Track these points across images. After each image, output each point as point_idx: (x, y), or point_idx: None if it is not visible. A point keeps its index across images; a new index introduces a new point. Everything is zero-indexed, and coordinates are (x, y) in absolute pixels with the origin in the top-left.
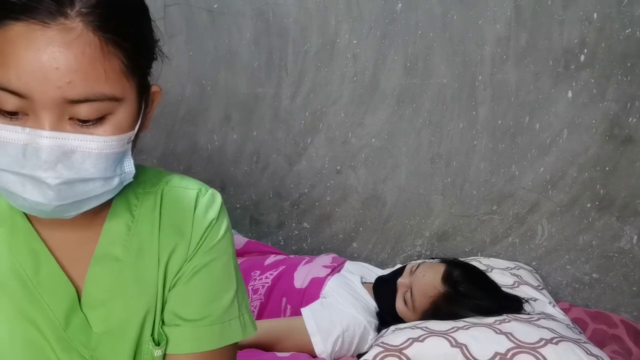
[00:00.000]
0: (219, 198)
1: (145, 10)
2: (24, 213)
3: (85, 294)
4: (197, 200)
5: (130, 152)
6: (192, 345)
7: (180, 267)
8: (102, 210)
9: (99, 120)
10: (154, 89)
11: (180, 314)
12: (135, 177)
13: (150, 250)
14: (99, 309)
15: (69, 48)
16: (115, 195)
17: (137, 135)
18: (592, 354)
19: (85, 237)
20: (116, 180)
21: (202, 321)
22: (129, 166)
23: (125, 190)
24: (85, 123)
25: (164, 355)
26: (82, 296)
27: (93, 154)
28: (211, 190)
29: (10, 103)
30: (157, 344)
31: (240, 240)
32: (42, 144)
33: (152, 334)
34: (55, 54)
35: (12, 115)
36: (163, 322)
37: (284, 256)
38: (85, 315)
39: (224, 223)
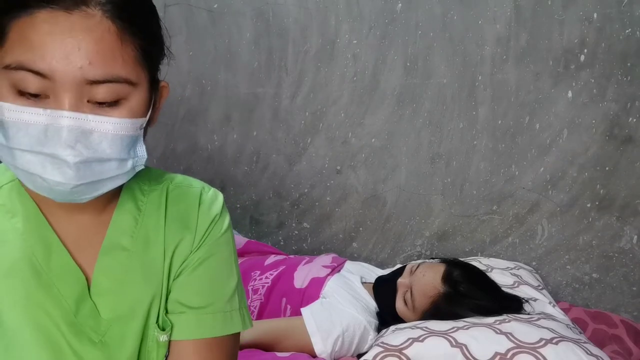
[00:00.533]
0: (221, 196)
1: (154, 9)
2: (37, 205)
3: (94, 282)
4: (201, 196)
5: (142, 138)
6: (196, 331)
7: (186, 258)
8: (110, 203)
9: (115, 103)
10: (162, 84)
11: (185, 302)
12: (141, 175)
13: (157, 242)
14: (107, 296)
15: (90, 32)
16: (123, 191)
17: (146, 129)
18: (592, 354)
19: (94, 229)
20: (130, 163)
21: (205, 309)
22: (142, 151)
23: (131, 186)
24: (102, 105)
25: (169, 341)
26: (91, 284)
27: (109, 135)
28: (213, 189)
29: (33, 83)
30: (162, 330)
31: (240, 240)
32: (63, 124)
33: (157, 321)
34: (78, 37)
35: (34, 96)
36: (167, 311)
37: (284, 256)
38: (94, 302)
39: (227, 219)
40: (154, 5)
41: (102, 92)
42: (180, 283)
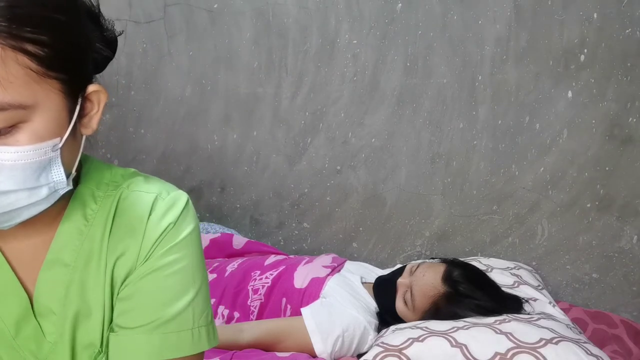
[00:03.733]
0: (181, 202)
1: (67, 5)
2: None
3: (35, 302)
4: (154, 204)
5: (59, 160)
6: (127, 354)
7: (130, 272)
8: (59, 214)
9: (12, 128)
10: (93, 88)
11: (120, 321)
12: (99, 178)
13: (99, 255)
14: (50, 316)
15: None
16: (72, 199)
17: (76, 137)
18: (592, 354)
19: (41, 243)
20: (44, 190)
21: (140, 329)
22: (58, 174)
23: (83, 193)
24: None
25: None
26: (33, 303)
27: (7, 166)
28: (174, 194)
29: None
30: (99, 354)
31: (240, 240)
32: None
33: (102, 345)
34: None
35: None
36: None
37: (284, 256)
38: (39, 323)
39: (186, 227)
40: (62, 0)
41: None
42: (120, 299)
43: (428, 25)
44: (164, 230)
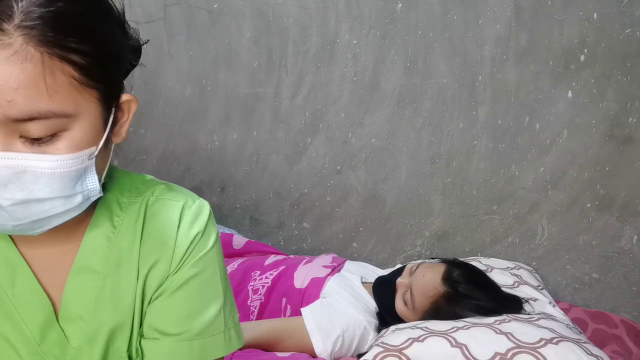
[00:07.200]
0: (206, 210)
1: (106, 16)
2: None
3: (62, 307)
4: (182, 213)
5: (93, 168)
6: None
7: (162, 281)
8: (83, 220)
9: (53, 137)
10: (125, 97)
11: (159, 328)
12: (121, 185)
13: (130, 263)
14: (77, 322)
15: (7, 65)
16: (98, 206)
17: (107, 145)
18: (592, 354)
19: (65, 249)
20: (79, 198)
21: (181, 335)
22: (93, 182)
23: (108, 200)
24: (37, 141)
25: None
26: (59, 309)
27: (46, 174)
28: (198, 202)
29: None
30: (129, 359)
31: (240, 240)
32: None
33: (129, 350)
34: None
35: None
36: (143, 336)
37: (284, 256)
38: (63, 329)
39: (212, 235)
40: (105, 11)
41: (33, 129)
42: (156, 307)
43: (428, 25)
44: (194, 239)
